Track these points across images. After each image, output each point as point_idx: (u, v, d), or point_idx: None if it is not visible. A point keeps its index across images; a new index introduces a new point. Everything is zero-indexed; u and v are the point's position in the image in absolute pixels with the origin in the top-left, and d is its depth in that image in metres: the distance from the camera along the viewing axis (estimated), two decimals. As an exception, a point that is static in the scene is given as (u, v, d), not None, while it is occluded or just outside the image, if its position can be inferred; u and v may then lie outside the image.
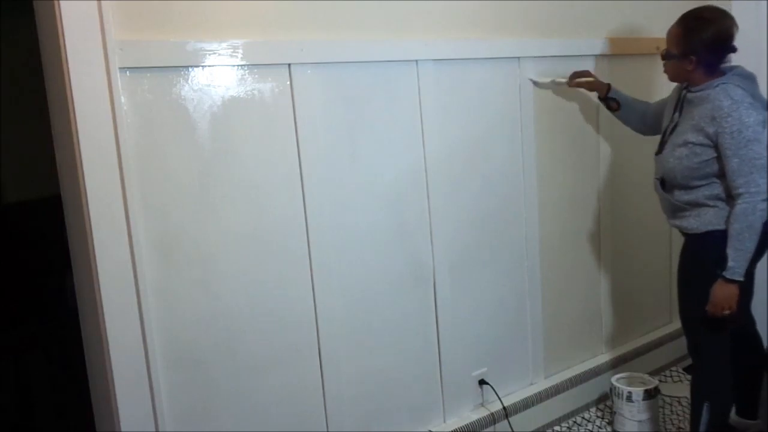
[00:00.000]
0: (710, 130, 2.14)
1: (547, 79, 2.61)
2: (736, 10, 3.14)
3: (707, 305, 2.18)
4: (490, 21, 2.45)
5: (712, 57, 2.20)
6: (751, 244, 2.09)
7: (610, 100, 2.61)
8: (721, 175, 2.16)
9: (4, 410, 2.78)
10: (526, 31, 2.56)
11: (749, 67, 2.28)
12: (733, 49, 2.22)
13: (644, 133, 2.64)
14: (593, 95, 2.73)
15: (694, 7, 2.30)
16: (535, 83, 2.60)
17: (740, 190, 2.10)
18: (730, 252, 2.11)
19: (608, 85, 2.61)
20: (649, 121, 2.58)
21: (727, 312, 2.15)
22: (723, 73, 2.21)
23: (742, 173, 2.09)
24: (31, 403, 2.84)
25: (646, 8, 2.94)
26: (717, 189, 2.19)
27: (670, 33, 2.29)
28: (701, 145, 2.17)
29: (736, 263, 2.11)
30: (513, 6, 2.50)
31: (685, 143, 2.21)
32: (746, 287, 2.35)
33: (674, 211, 2.33)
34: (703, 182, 2.21)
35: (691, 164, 2.20)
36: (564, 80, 2.60)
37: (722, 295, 2.14)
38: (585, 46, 2.74)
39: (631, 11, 2.91)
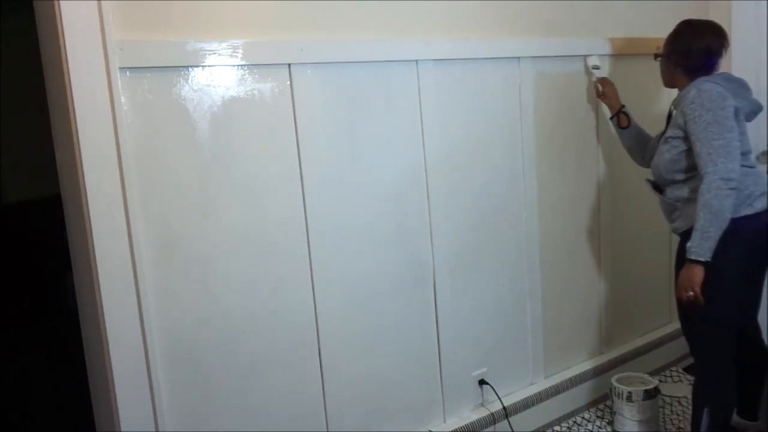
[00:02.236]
0: (680, 121, 2.21)
1: (595, 62, 2.73)
2: (735, 10, 3.15)
3: (675, 290, 2.20)
4: (490, 21, 2.45)
5: (690, 62, 2.29)
6: (707, 222, 2.08)
7: (621, 114, 2.64)
8: None
9: (4, 410, 2.78)
10: (526, 31, 2.56)
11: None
12: (714, 63, 2.30)
13: (642, 162, 2.63)
14: (593, 96, 2.73)
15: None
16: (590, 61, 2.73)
17: (702, 172, 2.13)
18: (692, 233, 2.12)
19: (621, 104, 2.68)
20: (649, 151, 2.58)
21: (690, 294, 2.14)
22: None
23: (702, 155, 2.12)
24: (31, 403, 2.84)
25: (646, 8, 2.94)
26: (700, 182, 2.18)
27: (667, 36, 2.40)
28: (677, 138, 2.24)
29: (692, 243, 2.11)
30: (513, 6, 2.50)
31: (665, 140, 2.30)
32: (752, 290, 2.36)
33: (670, 212, 2.36)
34: (687, 175, 2.25)
35: (671, 157, 2.27)
36: (596, 77, 2.73)
37: (685, 277, 2.15)
38: (585, 46, 2.74)
39: (631, 11, 2.91)
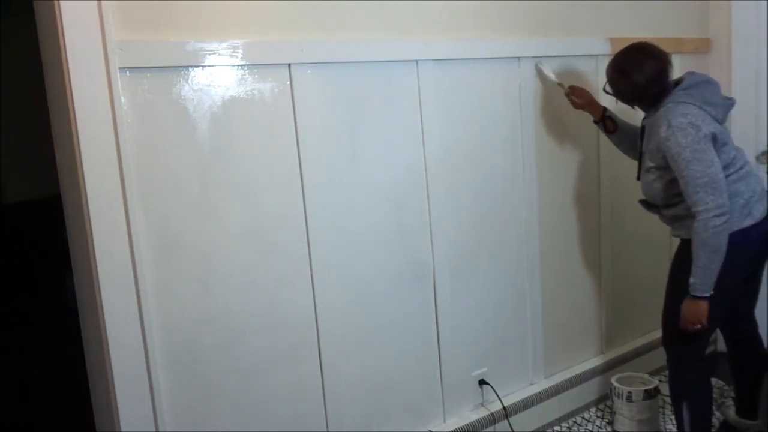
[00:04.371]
0: (660, 155, 2.18)
1: (552, 75, 2.59)
2: (735, 10, 3.15)
3: (680, 320, 2.20)
4: (491, 21, 2.45)
5: (646, 95, 2.24)
6: (708, 260, 2.08)
7: (606, 120, 2.57)
8: None
9: (4, 410, 2.77)
10: (526, 31, 2.56)
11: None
12: (668, 79, 2.23)
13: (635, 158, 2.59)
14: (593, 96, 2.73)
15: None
16: (540, 71, 2.59)
17: (692, 210, 2.12)
18: (692, 268, 2.12)
19: (603, 108, 2.57)
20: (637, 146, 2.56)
21: (698, 327, 2.16)
22: (669, 91, 2.21)
23: (689, 193, 2.11)
24: (31, 403, 2.84)
25: (646, 8, 2.94)
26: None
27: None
28: (659, 168, 2.22)
29: (696, 279, 2.12)
30: (513, 6, 2.50)
31: (649, 169, 2.26)
32: (750, 289, 2.38)
33: (671, 223, 2.35)
34: (679, 198, 2.21)
35: (660, 186, 2.25)
36: (561, 85, 2.60)
37: (690, 310, 2.16)
38: (585, 46, 2.74)
39: (631, 11, 2.91)
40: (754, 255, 2.24)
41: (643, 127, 2.32)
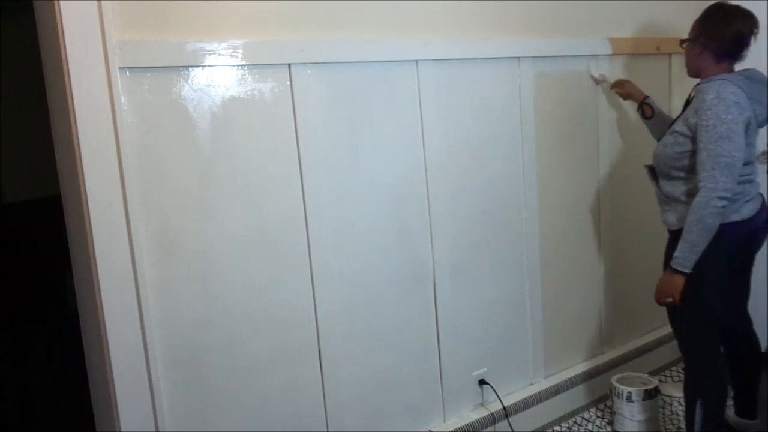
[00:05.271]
0: (692, 121, 2.17)
1: (598, 75, 2.77)
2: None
3: (654, 292, 2.24)
4: (491, 21, 2.45)
5: (717, 48, 2.23)
6: (698, 237, 2.11)
7: (645, 106, 2.64)
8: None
9: (4, 411, 2.78)
10: (526, 31, 2.56)
11: (749, 67, 2.25)
12: (741, 52, 2.24)
13: None
14: (593, 97, 2.73)
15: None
16: (594, 78, 2.78)
17: (700, 184, 2.12)
18: (679, 242, 2.15)
19: (645, 96, 2.68)
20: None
21: (669, 300, 2.20)
22: (732, 71, 2.23)
23: (706, 168, 2.11)
24: (31, 403, 2.84)
25: (645, 8, 2.94)
26: (694, 185, 2.19)
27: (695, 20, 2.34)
28: (683, 135, 2.21)
29: (680, 254, 2.14)
30: (513, 6, 2.50)
31: (672, 132, 2.27)
32: (739, 286, 2.39)
33: (661, 203, 2.37)
34: (683, 174, 2.24)
35: (672, 153, 2.25)
36: (606, 82, 2.77)
37: (665, 283, 2.20)
38: (585, 46, 2.74)
39: (631, 11, 2.91)
40: (738, 251, 2.27)
41: (689, 98, 2.32)
